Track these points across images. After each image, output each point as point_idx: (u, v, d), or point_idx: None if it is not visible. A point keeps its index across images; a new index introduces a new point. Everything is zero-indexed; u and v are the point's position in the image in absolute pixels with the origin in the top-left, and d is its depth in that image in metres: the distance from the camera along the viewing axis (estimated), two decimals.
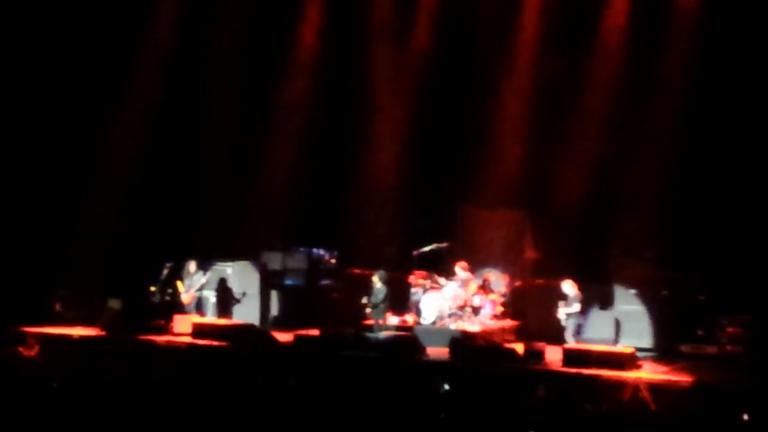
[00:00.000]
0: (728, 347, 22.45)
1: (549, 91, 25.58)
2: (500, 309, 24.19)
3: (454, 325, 23.69)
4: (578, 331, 22.76)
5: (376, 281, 24.07)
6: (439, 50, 26.34)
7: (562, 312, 22.54)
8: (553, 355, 21.63)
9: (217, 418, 17.90)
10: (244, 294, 25.61)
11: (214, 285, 25.49)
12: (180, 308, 24.62)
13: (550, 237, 25.50)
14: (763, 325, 22.30)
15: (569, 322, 22.56)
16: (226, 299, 25.47)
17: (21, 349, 22.89)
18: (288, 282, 26.60)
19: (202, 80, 27.28)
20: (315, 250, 26.55)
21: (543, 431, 18.30)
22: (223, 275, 25.49)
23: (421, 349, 22.37)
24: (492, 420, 18.61)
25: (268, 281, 26.35)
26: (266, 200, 26.91)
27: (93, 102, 26.46)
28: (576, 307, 22.49)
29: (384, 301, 23.91)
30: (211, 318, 24.91)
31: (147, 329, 23.77)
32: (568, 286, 22.63)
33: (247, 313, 25.60)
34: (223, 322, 24.60)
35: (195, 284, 24.74)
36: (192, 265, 24.80)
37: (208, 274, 25.10)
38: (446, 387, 20.56)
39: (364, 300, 23.97)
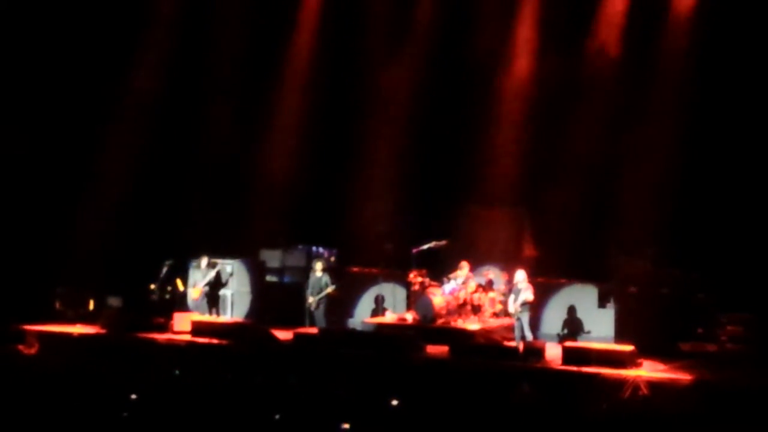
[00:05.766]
0: (728, 345, 22.38)
1: (548, 89, 25.59)
2: (499, 307, 24.15)
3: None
4: (534, 324, 22.74)
5: (317, 269, 23.89)
6: (439, 48, 26.35)
7: (517, 303, 22.39)
8: (552, 353, 21.64)
9: (217, 415, 17.90)
10: (231, 274, 25.51)
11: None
12: (184, 304, 24.63)
13: (549, 235, 25.48)
14: (763, 323, 22.28)
15: (523, 315, 22.42)
16: (215, 293, 25.34)
17: (21, 347, 22.90)
18: (286, 279, 26.61)
19: (201, 78, 27.31)
20: (314, 248, 26.55)
21: (541, 430, 18.32)
22: (223, 273, 25.49)
23: (420, 347, 22.38)
24: (486, 418, 18.65)
25: (267, 279, 26.37)
26: (266, 197, 26.91)
27: (92, 100, 26.49)
28: (528, 296, 22.31)
29: (324, 293, 23.78)
30: (209, 316, 24.91)
31: (147, 327, 23.80)
32: (520, 276, 22.45)
33: (245, 311, 25.63)
34: (222, 320, 24.61)
35: (204, 279, 24.74)
36: (203, 261, 24.86)
37: (218, 267, 25.09)
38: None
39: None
